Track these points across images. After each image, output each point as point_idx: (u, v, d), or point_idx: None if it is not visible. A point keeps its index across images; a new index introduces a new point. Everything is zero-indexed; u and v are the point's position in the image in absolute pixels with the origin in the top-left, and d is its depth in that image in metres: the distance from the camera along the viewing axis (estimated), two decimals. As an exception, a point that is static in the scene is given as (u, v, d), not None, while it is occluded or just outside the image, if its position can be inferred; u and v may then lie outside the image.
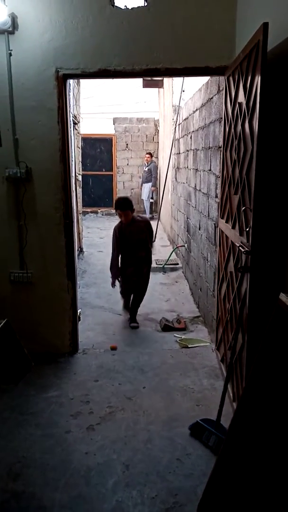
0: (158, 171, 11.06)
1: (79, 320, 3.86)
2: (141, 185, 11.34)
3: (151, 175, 10.95)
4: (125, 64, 3.17)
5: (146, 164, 11.15)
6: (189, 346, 3.80)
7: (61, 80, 3.22)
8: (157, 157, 11.77)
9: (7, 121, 3.27)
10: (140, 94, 11.08)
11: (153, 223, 9.33)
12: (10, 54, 3.17)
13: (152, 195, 11.10)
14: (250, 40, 2.29)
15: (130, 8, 3.13)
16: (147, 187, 11.04)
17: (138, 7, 3.12)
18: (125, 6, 3.14)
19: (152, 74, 3.29)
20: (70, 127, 3.52)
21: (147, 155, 11.16)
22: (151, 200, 11.10)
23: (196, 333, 4.13)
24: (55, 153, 3.31)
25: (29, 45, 3.17)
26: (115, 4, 3.11)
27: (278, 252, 2.27)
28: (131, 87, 10.41)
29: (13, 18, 3.11)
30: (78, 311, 3.82)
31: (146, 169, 11.06)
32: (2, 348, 2.60)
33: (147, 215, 11.08)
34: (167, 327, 4.18)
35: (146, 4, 3.10)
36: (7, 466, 2.34)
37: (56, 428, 2.67)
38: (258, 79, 2.16)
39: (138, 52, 3.15)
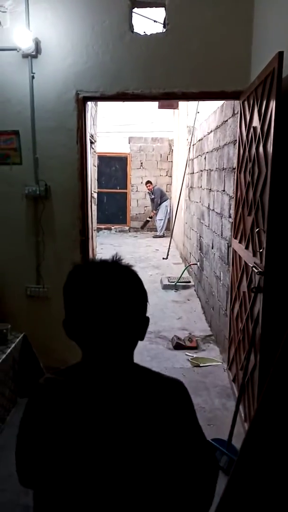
0: (167, 193, 11.31)
1: (92, 336, 3.89)
2: (155, 210, 11.46)
3: (165, 196, 11.17)
4: (142, 88, 3.27)
5: (150, 192, 11.32)
6: (200, 365, 3.80)
7: (81, 102, 3.33)
8: (171, 176, 11.90)
9: (28, 140, 3.39)
10: (155, 114, 11.28)
11: (166, 240, 9.49)
12: (33, 77, 3.30)
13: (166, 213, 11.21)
14: (265, 68, 2.37)
15: (149, 34, 3.25)
16: (162, 207, 11.17)
17: (157, 33, 3.24)
18: (144, 32, 3.27)
19: (168, 98, 3.38)
20: (88, 147, 3.62)
21: (148, 184, 11.35)
22: (168, 217, 11.20)
23: (208, 352, 4.13)
24: (74, 172, 3.41)
25: (51, 69, 3.29)
26: (135, 31, 3.24)
27: (291, 273, 2.29)
28: (147, 107, 10.62)
29: (37, 43, 3.25)
30: (91, 327, 3.84)
31: (153, 197, 11.24)
32: (19, 361, 2.64)
33: (160, 233, 11.17)
34: (178, 346, 4.19)
35: (164, 31, 3.22)
36: (19, 480, 2.36)
37: (67, 443, 2.68)
38: (273, 105, 2.22)
39: (156, 77, 3.25)
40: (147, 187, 11.44)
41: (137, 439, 0.91)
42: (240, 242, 3.10)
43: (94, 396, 0.94)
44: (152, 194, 11.31)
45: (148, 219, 11.87)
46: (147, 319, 0.98)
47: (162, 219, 11.25)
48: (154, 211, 11.47)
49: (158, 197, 11.18)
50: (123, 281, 0.93)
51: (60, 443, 0.92)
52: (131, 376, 0.98)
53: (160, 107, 9.23)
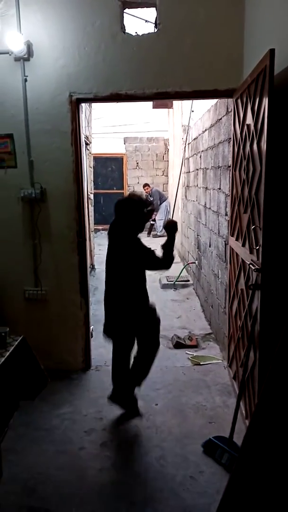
0: (165, 192, 11.26)
1: (92, 337, 3.91)
2: (156, 211, 11.39)
3: (163, 197, 11.14)
4: (136, 88, 3.28)
5: (149, 195, 11.26)
6: (201, 363, 3.81)
7: (75, 104, 3.33)
8: (167, 175, 11.90)
9: (22, 144, 3.39)
10: (150, 114, 11.28)
11: (164, 239, 9.43)
12: (26, 80, 3.30)
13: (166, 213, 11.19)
14: (257, 65, 2.37)
15: (140, 34, 3.25)
16: (162, 207, 11.15)
17: (149, 33, 3.25)
18: (136, 33, 3.27)
19: (162, 97, 3.38)
20: (83, 148, 3.62)
21: (146, 187, 11.26)
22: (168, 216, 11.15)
23: (208, 350, 4.14)
24: (69, 174, 3.41)
25: (44, 71, 3.30)
26: (127, 31, 3.24)
27: (288, 269, 2.30)
28: (141, 107, 10.62)
29: (29, 46, 3.25)
30: (91, 328, 3.86)
31: (152, 199, 11.19)
32: (19, 364, 2.64)
33: (159, 233, 11.16)
34: (179, 344, 4.20)
35: (156, 30, 3.23)
36: (22, 482, 2.37)
37: (70, 445, 2.70)
38: (265, 102, 2.23)
39: (149, 76, 3.26)
40: (144, 190, 11.38)
41: (127, 253, 2.73)
42: (237, 239, 3.11)
43: (118, 237, 2.77)
44: (150, 196, 11.27)
45: (151, 222, 11.70)
46: (144, 218, 2.82)
47: (162, 219, 11.23)
48: (155, 213, 11.42)
49: (157, 199, 11.13)
50: (133, 200, 2.78)
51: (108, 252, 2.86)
52: (133, 236, 2.75)
53: (155, 106, 9.22)
